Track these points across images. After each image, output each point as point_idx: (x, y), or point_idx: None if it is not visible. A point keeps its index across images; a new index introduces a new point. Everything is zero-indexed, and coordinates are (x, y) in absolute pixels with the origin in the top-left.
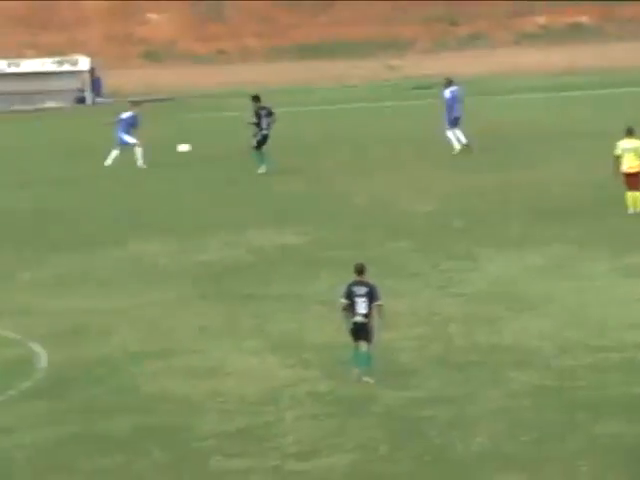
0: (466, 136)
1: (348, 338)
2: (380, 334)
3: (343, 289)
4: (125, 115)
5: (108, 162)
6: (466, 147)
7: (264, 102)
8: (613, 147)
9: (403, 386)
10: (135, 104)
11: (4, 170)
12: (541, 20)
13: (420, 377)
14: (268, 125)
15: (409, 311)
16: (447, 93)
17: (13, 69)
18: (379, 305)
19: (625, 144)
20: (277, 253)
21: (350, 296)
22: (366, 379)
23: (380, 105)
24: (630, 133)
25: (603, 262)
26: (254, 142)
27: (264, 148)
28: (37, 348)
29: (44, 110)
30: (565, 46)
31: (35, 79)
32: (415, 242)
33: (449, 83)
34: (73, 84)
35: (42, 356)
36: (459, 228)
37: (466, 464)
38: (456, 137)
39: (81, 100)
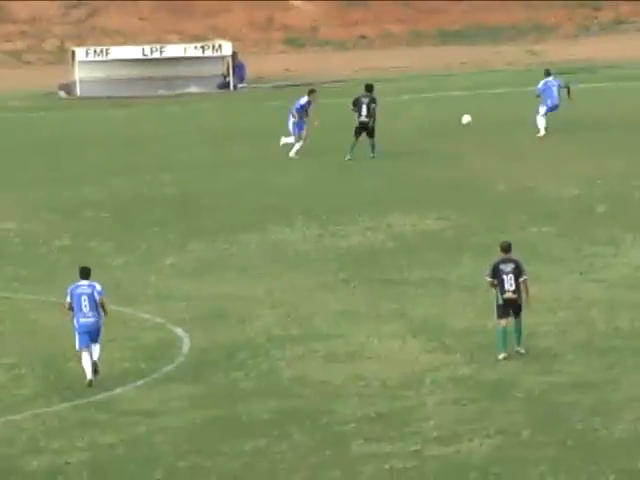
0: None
1: (490, 322)
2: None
3: (489, 267)
4: (303, 101)
5: (291, 154)
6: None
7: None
8: None
9: (545, 371)
10: (312, 91)
11: (148, 155)
12: None
13: (562, 362)
14: (368, 113)
15: (551, 296)
16: (540, 84)
17: (156, 55)
18: (524, 280)
19: None
20: (418, 238)
21: (497, 274)
22: (519, 349)
23: (522, 90)
24: None
25: None
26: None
27: (362, 136)
28: (179, 332)
29: (187, 95)
30: None
31: (178, 64)
32: (557, 227)
33: (547, 74)
34: (216, 69)
35: (184, 340)
36: (602, 213)
37: (609, 450)
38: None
39: (224, 85)
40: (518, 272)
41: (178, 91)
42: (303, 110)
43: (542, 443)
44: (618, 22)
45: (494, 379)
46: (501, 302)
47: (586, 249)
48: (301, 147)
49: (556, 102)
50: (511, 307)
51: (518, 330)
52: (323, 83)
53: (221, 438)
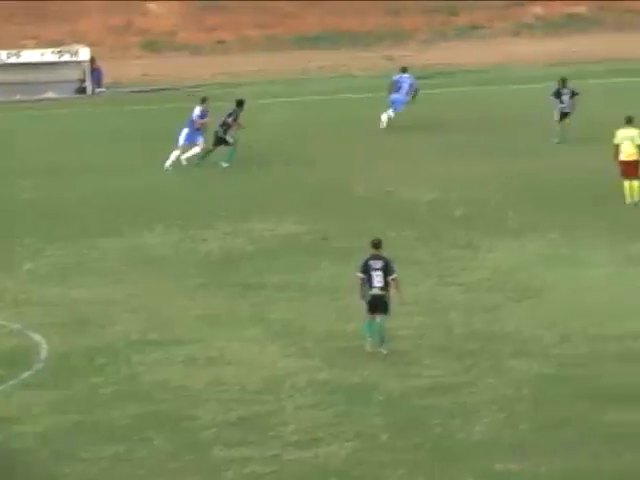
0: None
1: (350, 326)
2: (395, 307)
3: (360, 264)
4: (197, 111)
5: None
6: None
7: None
8: (612, 136)
9: (404, 374)
10: (204, 100)
11: (7, 160)
12: (538, 10)
13: (420, 366)
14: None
15: (410, 300)
16: (396, 76)
17: (13, 60)
18: (394, 278)
19: (623, 132)
20: (277, 243)
21: (367, 270)
22: (381, 349)
23: (379, 95)
24: (629, 122)
25: (603, 251)
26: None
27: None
28: (37, 338)
29: (45, 100)
30: (562, 36)
31: (35, 70)
32: (416, 231)
33: (404, 70)
34: (73, 74)
35: (43, 346)
36: (460, 217)
37: (466, 453)
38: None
39: (81, 90)
40: (387, 269)
41: (36, 96)
42: (199, 119)
43: (401, 446)
44: (474, 27)
45: (353, 383)
46: (369, 298)
47: (444, 253)
48: (194, 155)
49: (399, 98)
50: (379, 304)
51: (380, 328)
52: (181, 88)
53: (80, 444)
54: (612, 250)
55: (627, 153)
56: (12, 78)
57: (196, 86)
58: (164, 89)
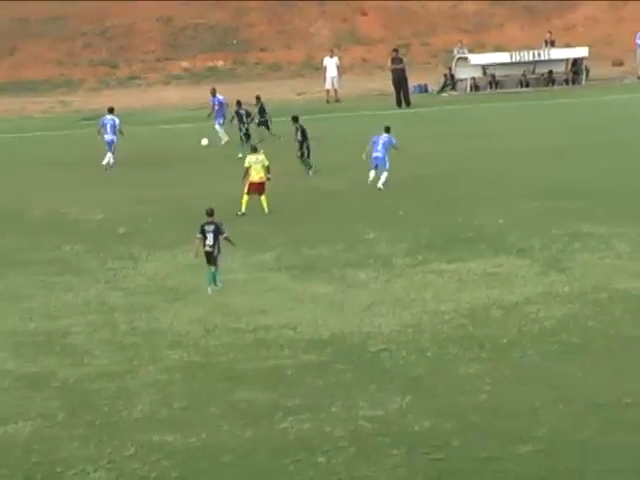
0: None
1: (31, 324)
2: (224, 259)
3: (199, 227)
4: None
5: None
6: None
7: None
8: (242, 163)
9: (77, 364)
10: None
11: None
12: (185, 64)
13: (91, 356)
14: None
15: (82, 302)
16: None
17: None
18: (226, 237)
19: (252, 158)
20: None
21: (203, 232)
22: (212, 289)
23: (55, 134)
24: (255, 150)
25: (238, 259)
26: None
27: None
28: None
29: None
30: (205, 85)
31: None
32: (86, 245)
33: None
34: None
35: None
36: (123, 234)
37: (129, 427)
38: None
39: None
40: (218, 231)
41: None
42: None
43: (75, 423)
44: (132, 77)
45: (35, 371)
46: (202, 253)
47: (110, 263)
48: None
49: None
50: (210, 257)
51: (213, 275)
52: None
53: None
54: (246, 258)
55: (258, 176)
56: None
57: None
58: None
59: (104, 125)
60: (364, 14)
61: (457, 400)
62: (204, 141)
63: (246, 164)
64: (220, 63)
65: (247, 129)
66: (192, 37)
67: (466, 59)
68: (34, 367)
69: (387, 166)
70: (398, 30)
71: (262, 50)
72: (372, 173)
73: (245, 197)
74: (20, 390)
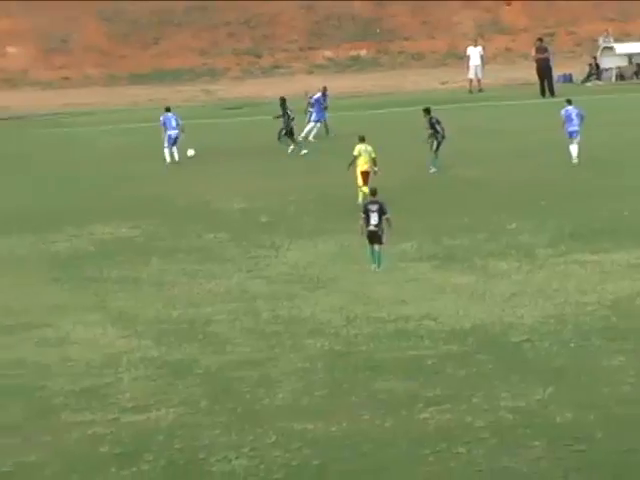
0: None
1: (175, 312)
2: (388, 238)
3: (362, 207)
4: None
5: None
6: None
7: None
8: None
9: (220, 351)
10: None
11: None
12: (328, 53)
13: (233, 344)
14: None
15: (224, 290)
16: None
17: None
18: (387, 218)
19: (361, 147)
20: (115, 244)
21: (366, 211)
22: (376, 269)
23: (198, 122)
24: (363, 140)
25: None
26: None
27: None
28: None
29: None
30: (349, 74)
31: None
32: (229, 234)
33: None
34: None
35: None
36: (264, 223)
37: (271, 415)
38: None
39: None
40: (381, 211)
41: None
42: None
43: (217, 411)
44: (275, 67)
45: (177, 359)
46: (367, 233)
47: (252, 252)
48: None
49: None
50: (374, 237)
51: (379, 255)
52: (34, 116)
53: None
54: (388, 247)
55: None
56: None
57: (46, 114)
58: (20, 117)
59: (168, 121)
60: (508, 3)
61: (600, 392)
62: (190, 152)
63: (355, 152)
64: (363, 52)
65: (291, 127)
66: (335, 26)
67: (611, 48)
68: (177, 355)
69: (579, 138)
70: (542, 19)
71: (405, 39)
72: (573, 149)
73: (365, 189)
74: (163, 377)
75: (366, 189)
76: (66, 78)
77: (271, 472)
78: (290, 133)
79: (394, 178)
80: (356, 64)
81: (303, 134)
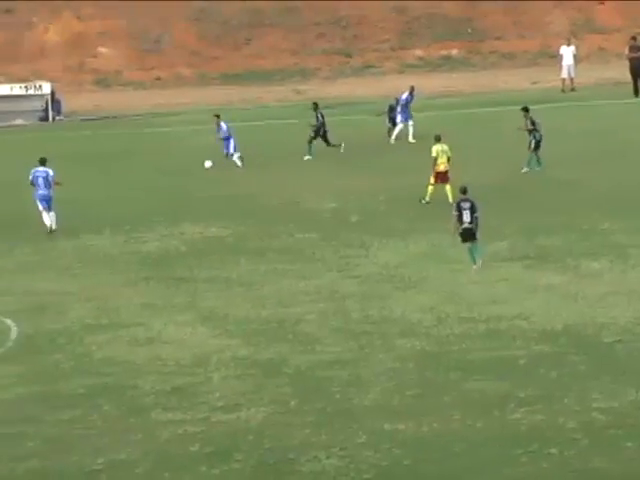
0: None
1: (264, 311)
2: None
3: (455, 205)
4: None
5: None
6: None
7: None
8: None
9: (309, 351)
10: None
11: None
12: (419, 53)
13: (323, 344)
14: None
15: (314, 290)
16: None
17: None
18: (476, 217)
19: (439, 148)
20: (205, 243)
21: (459, 209)
22: (476, 265)
23: (289, 122)
24: (439, 139)
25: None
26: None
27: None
28: (8, 322)
29: (14, 126)
30: (440, 73)
31: (6, 101)
32: (319, 233)
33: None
34: (37, 105)
35: (12, 328)
36: (354, 222)
37: (361, 415)
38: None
39: (44, 118)
40: (473, 209)
41: (6, 123)
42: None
43: (306, 410)
44: (366, 67)
45: (267, 358)
46: (461, 231)
47: (342, 251)
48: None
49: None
50: (468, 234)
51: (476, 250)
52: (127, 116)
53: (43, 409)
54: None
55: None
56: None
57: (139, 115)
58: (113, 117)
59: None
60: (601, 2)
61: None
62: (208, 163)
63: (434, 153)
64: (454, 52)
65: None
66: (426, 26)
67: None
68: (267, 354)
69: None
70: (636, 18)
71: (497, 39)
72: None
73: (430, 187)
74: (253, 377)
75: (449, 189)
76: (158, 78)
77: (361, 472)
78: (324, 137)
79: (486, 177)
80: (447, 64)
81: (393, 136)
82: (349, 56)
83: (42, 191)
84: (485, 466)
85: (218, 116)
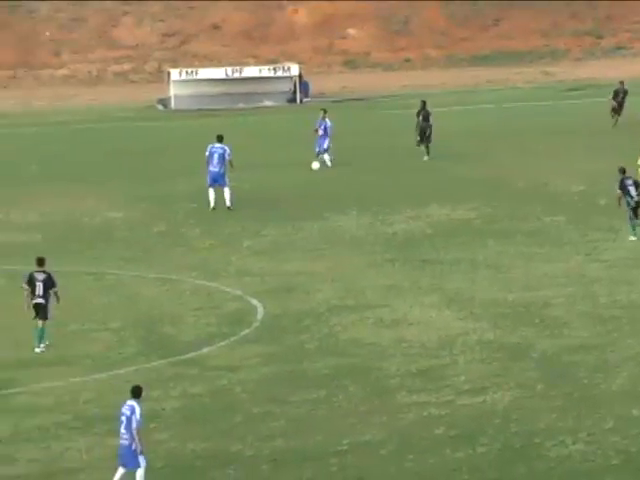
0: None
1: (511, 295)
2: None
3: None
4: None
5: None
6: None
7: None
8: None
9: (556, 335)
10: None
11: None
12: None
13: (570, 328)
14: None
15: (561, 273)
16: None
17: (237, 75)
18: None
19: None
20: (452, 225)
21: (623, 187)
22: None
23: (538, 104)
24: None
25: None
26: None
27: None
28: (255, 302)
29: (262, 108)
30: None
31: (254, 83)
32: (567, 216)
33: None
34: (285, 87)
35: (259, 309)
36: (603, 205)
37: (608, 401)
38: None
39: (292, 100)
40: (637, 185)
41: (255, 104)
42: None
43: (553, 395)
44: (618, 48)
45: (514, 342)
46: (632, 205)
47: (590, 235)
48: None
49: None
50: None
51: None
52: (374, 98)
53: (289, 389)
54: None
55: None
56: (235, 90)
57: (386, 96)
58: (361, 99)
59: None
60: None
61: None
62: (315, 165)
63: None
64: None
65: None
66: None
67: None
68: (513, 338)
69: None
70: None
71: None
72: None
73: None
74: (499, 360)
75: None
76: (407, 60)
77: (608, 458)
78: (427, 138)
79: None
80: None
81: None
82: (600, 37)
83: (213, 168)
84: None
85: (325, 111)
